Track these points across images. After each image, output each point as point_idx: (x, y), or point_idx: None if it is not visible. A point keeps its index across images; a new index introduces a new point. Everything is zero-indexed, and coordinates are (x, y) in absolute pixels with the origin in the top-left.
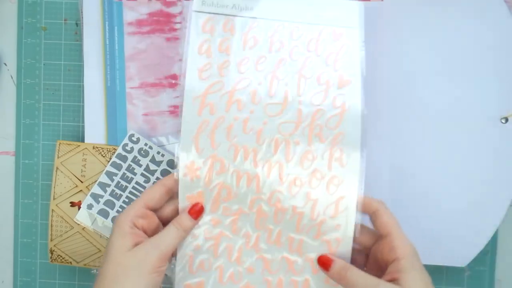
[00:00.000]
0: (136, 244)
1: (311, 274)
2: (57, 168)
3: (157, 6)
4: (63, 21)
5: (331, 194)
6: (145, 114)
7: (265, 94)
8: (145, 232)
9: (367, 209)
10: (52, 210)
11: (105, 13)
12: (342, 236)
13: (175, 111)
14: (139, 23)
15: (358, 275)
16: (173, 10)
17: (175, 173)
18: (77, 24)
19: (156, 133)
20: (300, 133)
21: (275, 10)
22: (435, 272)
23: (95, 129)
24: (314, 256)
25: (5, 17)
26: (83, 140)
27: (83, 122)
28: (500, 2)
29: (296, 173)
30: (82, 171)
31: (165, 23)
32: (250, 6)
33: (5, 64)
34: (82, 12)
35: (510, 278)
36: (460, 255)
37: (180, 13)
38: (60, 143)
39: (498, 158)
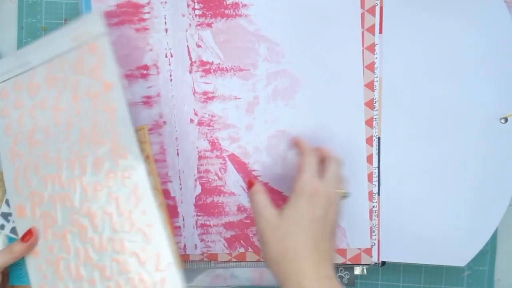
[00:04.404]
0: None
1: (141, 267)
2: None
3: None
4: (63, 21)
5: (126, 186)
6: None
7: (53, 126)
8: None
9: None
10: None
11: None
12: (151, 221)
13: (148, 101)
14: (108, 15)
15: (260, 198)
16: (141, 0)
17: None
18: None
19: None
20: (86, 147)
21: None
22: (435, 272)
23: None
24: (137, 249)
25: (5, 17)
26: None
27: None
28: (500, 2)
29: (95, 179)
30: None
31: (133, 14)
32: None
33: None
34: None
35: (510, 278)
36: (459, 255)
37: (148, 3)
38: None
39: (498, 158)
